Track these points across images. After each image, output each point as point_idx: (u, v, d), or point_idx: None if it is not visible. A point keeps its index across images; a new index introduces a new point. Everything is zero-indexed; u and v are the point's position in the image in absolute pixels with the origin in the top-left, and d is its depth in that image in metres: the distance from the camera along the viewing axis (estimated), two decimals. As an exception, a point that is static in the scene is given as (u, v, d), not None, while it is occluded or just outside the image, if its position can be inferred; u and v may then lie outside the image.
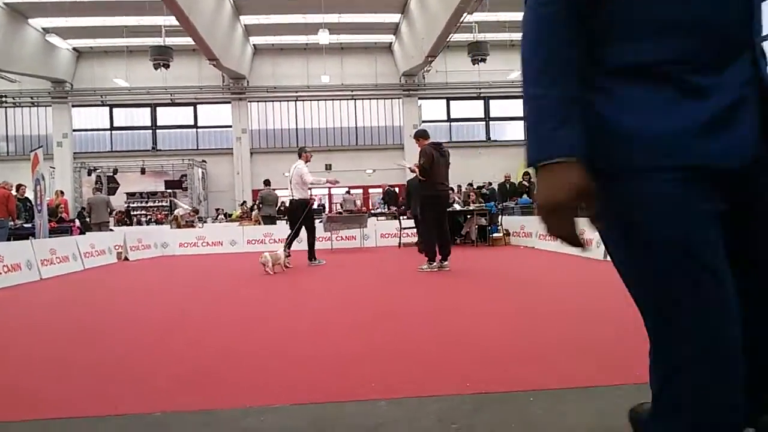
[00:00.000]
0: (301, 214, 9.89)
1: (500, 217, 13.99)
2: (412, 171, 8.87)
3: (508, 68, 25.40)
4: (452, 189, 15.82)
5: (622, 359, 3.35)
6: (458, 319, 4.90)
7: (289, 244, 9.94)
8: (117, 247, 13.00)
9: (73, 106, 27.11)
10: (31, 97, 26.63)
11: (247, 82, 27.09)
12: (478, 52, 20.65)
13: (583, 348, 3.66)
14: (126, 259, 12.90)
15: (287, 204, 11.20)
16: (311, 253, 10.27)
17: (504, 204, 16.00)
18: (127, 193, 25.30)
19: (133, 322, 5.22)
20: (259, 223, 16.49)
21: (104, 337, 4.59)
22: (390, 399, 2.77)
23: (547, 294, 6.20)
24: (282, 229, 16.33)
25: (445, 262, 8.49)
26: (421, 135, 9.03)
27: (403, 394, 2.84)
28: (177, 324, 5.10)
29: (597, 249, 9.38)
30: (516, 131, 28.74)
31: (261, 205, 16.42)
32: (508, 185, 17.52)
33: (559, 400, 2.69)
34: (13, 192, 13.10)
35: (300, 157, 10.27)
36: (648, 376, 1.39)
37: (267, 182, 16.57)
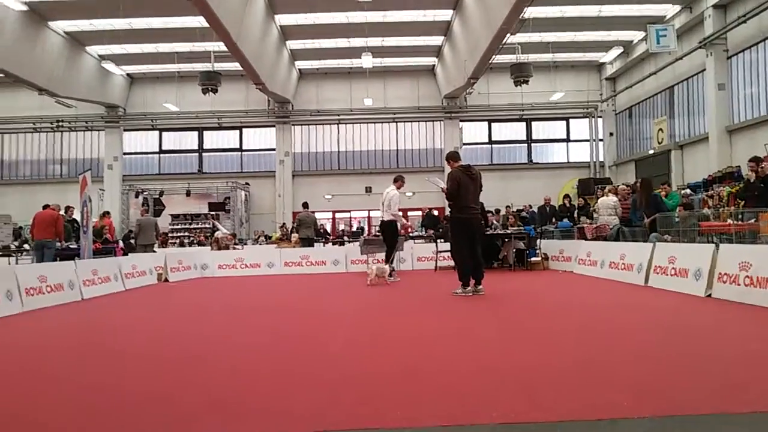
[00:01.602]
0: (391, 233, 11.51)
1: (539, 240, 13.70)
2: (443, 192, 8.81)
3: (551, 89, 25.12)
4: (491, 212, 15.63)
5: (655, 389, 3.21)
6: (482, 343, 4.81)
7: (389, 259, 11.42)
8: (158, 269, 13.26)
9: (124, 130, 28.12)
10: (86, 122, 27.75)
11: (292, 105, 27.59)
12: (520, 73, 20.49)
13: (615, 376, 3.53)
14: (166, 280, 13.13)
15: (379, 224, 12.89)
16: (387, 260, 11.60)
17: (543, 227, 15.67)
18: (172, 215, 25.93)
19: (149, 347, 5.26)
20: (299, 245, 16.59)
21: (112, 360, 4.63)
22: (414, 428, 2.71)
23: (581, 319, 6.01)
24: (319, 251, 16.53)
25: (480, 287, 8.36)
26: (450, 157, 9.10)
27: (429, 422, 2.77)
28: (201, 351, 5.10)
29: (638, 275, 9.11)
30: (559, 153, 28.36)
31: (299, 228, 16.52)
32: (548, 208, 17.19)
33: (587, 430, 2.63)
34: (62, 213, 13.53)
35: (395, 182, 11.73)
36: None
37: (305, 205, 16.70)
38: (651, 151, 23.65)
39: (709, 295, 7.14)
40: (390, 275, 10.86)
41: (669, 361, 3.90)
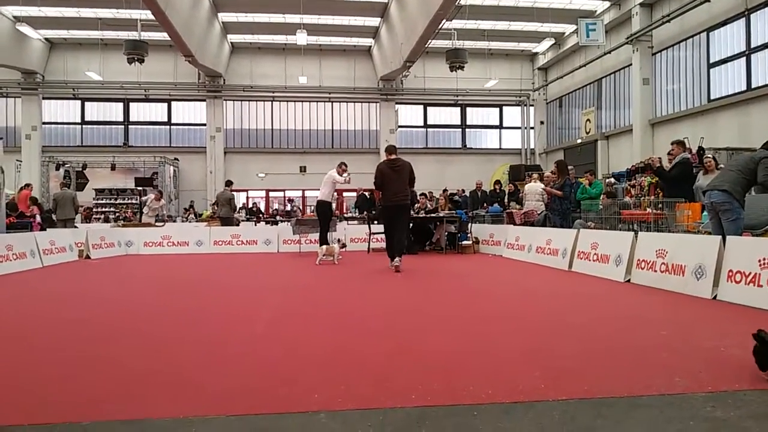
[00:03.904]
0: (325, 213, 11.75)
1: (470, 224, 13.95)
2: None
3: (485, 77, 25.49)
4: (424, 195, 15.78)
5: (571, 373, 3.34)
6: (409, 326, 4.86)
7: (324, 239, 11.58)
8: (79, 245, 12.68)
9: (43, 98, 26.55)
10: (0, 87, 26.01)
11: (224, 80, 26.81)
12: (456, 59, 20.63)
13: (533, 360, 3.64)
14: (87, 257, 12.59)
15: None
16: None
17: (475, 212, 15.97)
18: (96, 189, 24.79)
19: (73, 323, 5.04)
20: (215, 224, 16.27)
21: (36, 337, 4.41)
22: (330, 411, 2.71)
23: (505, 303, 6.18)
24: (251, 230, 16.29)
25: (396, 263, 9.33)
26: (386, 150, 10.34)
27: (345, 406, 2.77)
28: (113, 330, 4.91)
29: (563, 260, 9.42)
30: (492, 139, 28.92)
31: (216, 206, 16.23)
32: (479, 193, 17.51)
33: (503, 414, 2.66)
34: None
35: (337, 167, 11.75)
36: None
37: (227, 183, 16.29)
38: (579, 141, 24.50)
39: (628, 281, 7.48)
40: (339, 248, 11.17)
41: (585, 346, 4.05)
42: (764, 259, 5.52)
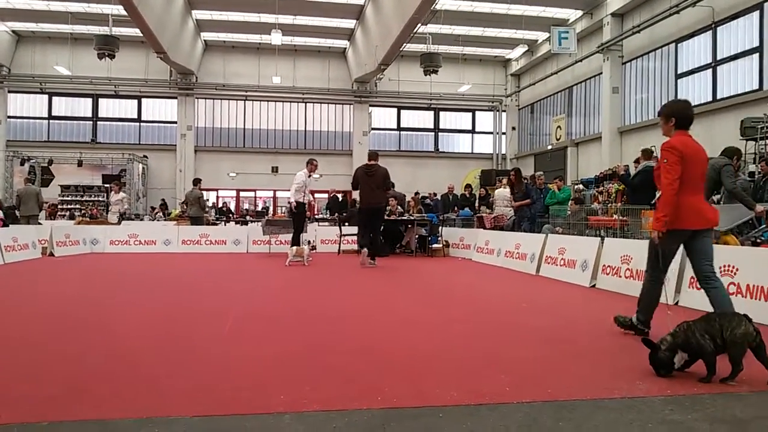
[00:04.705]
0: (299, 215, 11.62)
1: (441, 228, 14.02)
2: None
3: (459, 81, 25.67)
4: (394, 197, 15.80)
5: (535, 376, 3.39)
6: (376, 328, 4.88)
7: (297, 240, 11.45)
8: (42, 242, 12.40)
9: (9, 91, 25.93)
10: (-37, 79, 25.32)
11: (196, 78, 26.49)
12: (430, 63, 20.73)
13: (498, 362, 3.68)
14: (51, 254, 12.32)
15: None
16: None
17: (446, 215, 16.05)
18: (62, 186, 24.23)
19: (33, 321, 4.93)
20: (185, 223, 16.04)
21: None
22: (296, 412, 2.69)
23: (472, 306, 6.23)
24: (220, 230, 16.13)
25: (372, 260, 10.40)
26: (368, 155, 11.28)
27: (311, 407, 2.77)
28: (70, 326, 4.82)
29: (531, 264, 9.53)
30: (464, 144, 29.12)
31: (185, 205, 16.01)
32: (451, 196, 17.61)
33: (468, 416, 2.69)
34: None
35: (306, 165, 11.65)
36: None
37: (195, 181, 16.09)
38: (549, 147, 24.81)
39: (594, 286, 7.60)
40: (309, 250, 11.11)
41: (549, 349, 4.12)
42: (725, 266, 5.65)
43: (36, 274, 9.40)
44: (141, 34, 20.39)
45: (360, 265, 10.44)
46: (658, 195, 4.36)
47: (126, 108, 27.00)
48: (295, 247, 11.01)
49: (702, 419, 2.66)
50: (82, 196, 24.13)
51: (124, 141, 26.56)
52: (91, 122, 26.69)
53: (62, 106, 26.71)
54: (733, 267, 5.59)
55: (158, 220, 19.93)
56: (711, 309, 5.49)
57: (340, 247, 13.93)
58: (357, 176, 10.78)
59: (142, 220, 20.25)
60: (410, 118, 28.68)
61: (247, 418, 2.63)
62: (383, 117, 28.48)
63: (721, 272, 5.65)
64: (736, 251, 6.18)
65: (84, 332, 4.58)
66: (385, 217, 13.07)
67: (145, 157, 26.08)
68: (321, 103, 27.84)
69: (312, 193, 12.57)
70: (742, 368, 3.19)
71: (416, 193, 19.33)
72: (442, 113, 28.71)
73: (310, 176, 11.58)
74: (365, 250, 10.54)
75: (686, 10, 15.87)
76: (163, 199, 24.21)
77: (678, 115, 4.40)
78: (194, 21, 23.73)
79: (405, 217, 13.95)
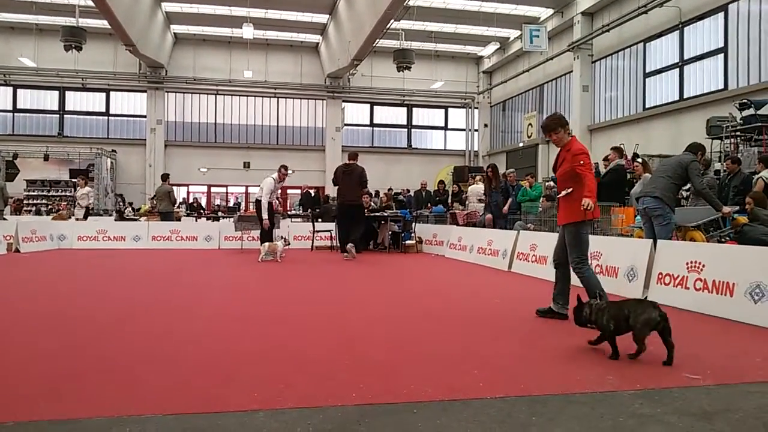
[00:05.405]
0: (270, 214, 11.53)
1: (414, 224, 14.07)
2: None
3: (432, 78, 25.74)
4: (370, 194, 15.81)
5: (508, 371, 3.44)
6: (350, 324, 4.88)
7: (269, 237, 11.29)
8: (8, 238, 12.11)
9: (-29, 83, 25.18)
10: (-77, 71, 24.53)
11: (166, 71, 26.07)
12: (403, 59, 20.79)
13: (471, 358, 3.71)
14: (17, 251, 12.04)
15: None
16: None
17: (419, 211, 16.10)
18: (28, 180, 23.67)
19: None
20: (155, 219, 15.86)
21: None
22: (270, 409, 2.69)
23: (445, 303, 6.27)
24: (191, 225, 15.95)
25: (346, 253, 11.14)
26: (348, 155, 11.91)
27: (285, 404, 2.76)
28: (47, 325, 4.73)
29: (503, 260, 9.62)
30: (437, 140, 29.22)
31: (155, 201, 15.79)
32: (424, 193, 17.66)
33: (442, 411, 2.71)
34: None
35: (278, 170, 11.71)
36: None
37: (163, 176, 15.86)
38: (521, 144, 25.06)
39: (564, 282, 7.70)
40: (283, 246, 11.03)
41: (521, 345, 4.18)
42: (692, 262, 5.79)
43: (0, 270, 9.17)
44: (109, 26, 19.98)
45: (343, 258, 11.14)
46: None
47: (94, 101, 26.44)
48: (267, 244, 10.87)
49: (671, 412, 2.72)
50: (48, 191, 23.62)
51: (92, 135, 26.00)
52: (57, 115, 26.07)
53: (27, 98, 26.02)
54: (699, 263, 5.72)
55: (127, 216, 19.54)
56: (677, 305, 5.65)
57: (313, 243, 13.88)
58: (336, 174, 11.57)
59: (111, 216, 19.86)
60: (383, 114, 28.68)
61: (221, 415, 2.62)
62: (356, 113, 28.42)
63: (687, 269, 5.80)
64: (702, 247, 6.34)
65: (53, 330, 4.49)
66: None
67: (114, 151, 25.61)
68: (293, 98, 27.67)
69: (284, 189, 12.62)
70: (645, 348, 3.60)
71: (389, 189, 19.40)
72: (415, 110, 28.76)
73: (280, 182, 11.69)
74: (351, 244, 11.05)
75: (654, 10, 16.16)
76: (120, 194, 23.92)
77: (567, 124, 5.42)
78: (164, 13, 23.35)
79: (377, 214, 13.93)
